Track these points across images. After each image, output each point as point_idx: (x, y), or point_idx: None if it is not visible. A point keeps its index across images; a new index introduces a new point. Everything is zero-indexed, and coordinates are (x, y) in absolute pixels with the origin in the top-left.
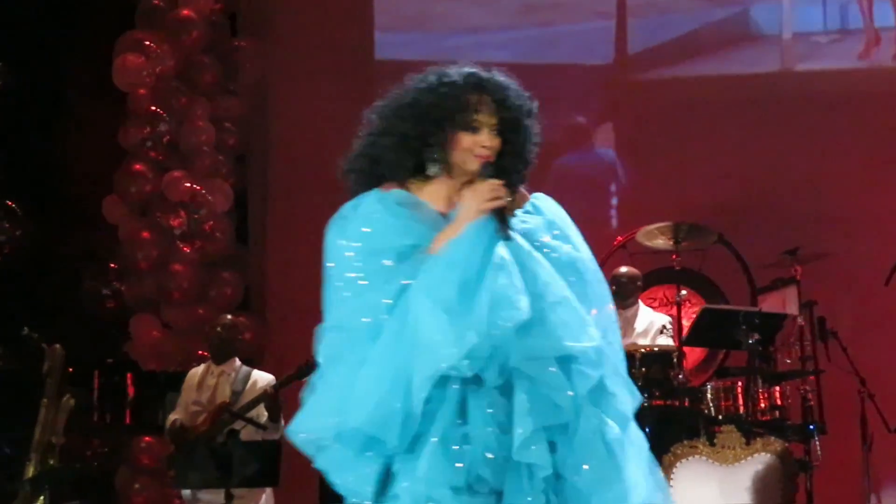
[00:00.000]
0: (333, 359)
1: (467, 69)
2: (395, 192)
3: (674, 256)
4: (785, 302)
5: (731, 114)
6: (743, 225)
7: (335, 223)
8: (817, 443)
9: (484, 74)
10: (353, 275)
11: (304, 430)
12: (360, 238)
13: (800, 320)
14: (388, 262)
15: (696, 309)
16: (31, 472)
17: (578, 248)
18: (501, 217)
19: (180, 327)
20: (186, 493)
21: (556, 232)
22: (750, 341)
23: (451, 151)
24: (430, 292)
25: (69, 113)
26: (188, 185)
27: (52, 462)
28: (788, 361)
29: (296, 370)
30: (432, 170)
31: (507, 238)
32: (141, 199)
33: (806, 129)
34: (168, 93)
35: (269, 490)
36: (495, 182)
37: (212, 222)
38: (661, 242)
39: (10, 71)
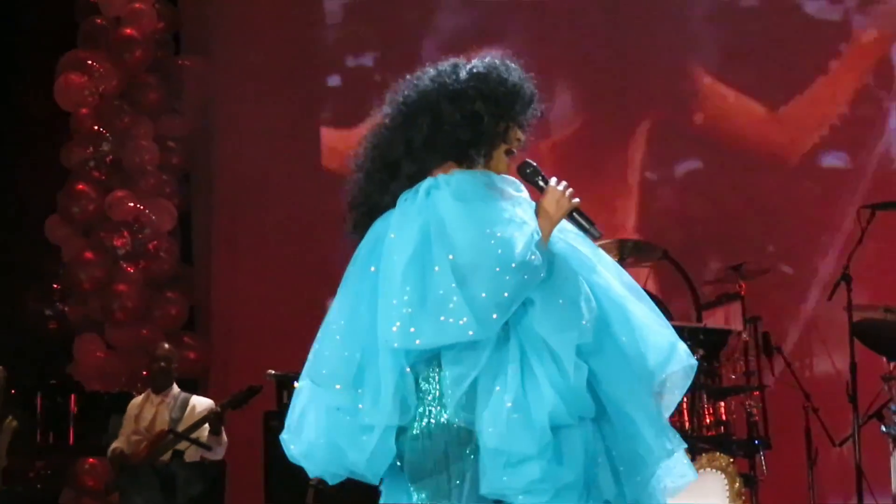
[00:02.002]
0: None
1: (522, 72)
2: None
3: None
4: (729, 317)
5: (673, 130)
6: (687, 241)
7: (456, 201)
8: (762, 457)
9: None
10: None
11: None
12: (505, 210)
13: (744, 336)
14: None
15: None
16: None
17: None
18: (583, 215)
19: (124, 348)
20: None
21: None
22: (695, 357)
23: (501, 143)
24: (641, 297)
25: (11, 133)
26: (132, 204)
27: None
28: (733, 377)
29: (229, 398)
30: (479, 158)
31: (598, 235)
32: (84, 219)
33: (750, 145)
34: (111, 112)
35: None
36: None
37: (156, 242)
38: None
39: None
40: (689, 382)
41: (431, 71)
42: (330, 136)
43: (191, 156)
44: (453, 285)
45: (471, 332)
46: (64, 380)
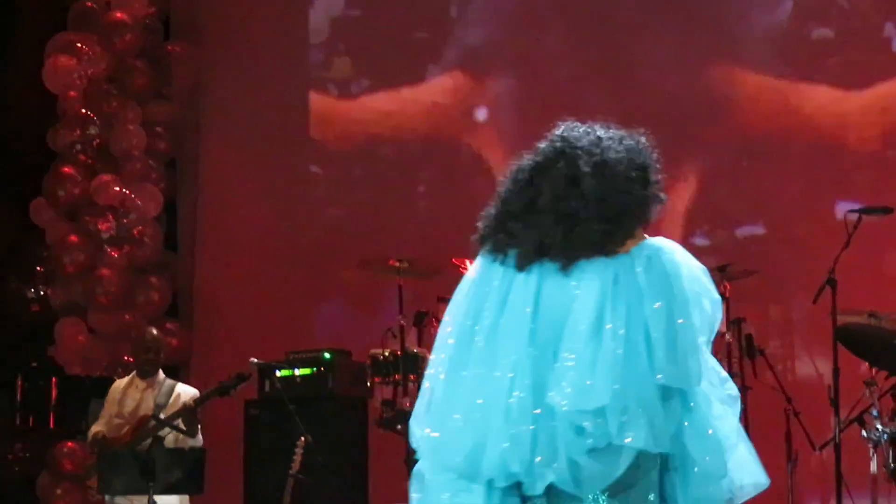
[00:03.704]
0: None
1: None
2: None
3: None
4: None
5: (660, 131)
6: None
7: (682, 265)
8: None
9: None
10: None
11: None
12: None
13: (727, 337)
14: None
15: None
16: None
17: None
18: None
19: (106, 332)
20: (107, 498)
21: None
22: None
23: None
24: None
25: None
26: (118, 189)
27: None
28: None
29: (217, 386)
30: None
31: None
32: (69, 202)
33: (736, 149)
34: (99, 96)
35: (183, 498)
36: None
37: (141, 227)
38: None
39: None
40: None
41: (613, 132)
42: (319, 125)
43: (178, 142)
44: (698, 339)
45: (700, 379)
46: (45, 363)
